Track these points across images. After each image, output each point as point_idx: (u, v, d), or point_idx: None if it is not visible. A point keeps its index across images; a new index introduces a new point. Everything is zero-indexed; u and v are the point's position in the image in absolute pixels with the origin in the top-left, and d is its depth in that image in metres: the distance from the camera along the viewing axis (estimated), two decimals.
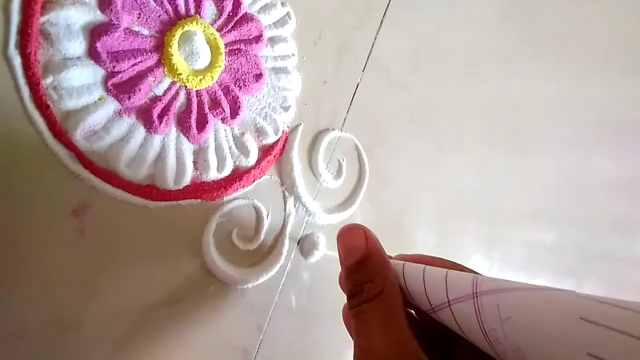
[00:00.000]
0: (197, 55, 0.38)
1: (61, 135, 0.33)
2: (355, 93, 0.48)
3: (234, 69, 0.40)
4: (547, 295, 0.20)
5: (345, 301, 0.29)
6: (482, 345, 0.22)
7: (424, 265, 0.26)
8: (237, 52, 0.41)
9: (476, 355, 0.24)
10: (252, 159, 0.41)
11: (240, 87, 0.41)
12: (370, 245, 0.27)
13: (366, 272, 0.26)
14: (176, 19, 0.38)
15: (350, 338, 0.27)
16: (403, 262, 0.27)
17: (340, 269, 0.31)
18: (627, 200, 0.73)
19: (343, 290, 0.31)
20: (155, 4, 0.37)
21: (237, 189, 0.41)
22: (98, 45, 0.34)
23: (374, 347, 0.23)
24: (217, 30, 0.39)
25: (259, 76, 0.41)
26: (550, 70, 0.63)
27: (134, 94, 0.36)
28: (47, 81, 0.33)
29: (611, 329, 0.17)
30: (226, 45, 0.40)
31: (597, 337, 0.18)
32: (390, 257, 0.29)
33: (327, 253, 0.45)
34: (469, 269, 0.27)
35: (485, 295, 0.22)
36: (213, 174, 0.40)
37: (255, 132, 0.42)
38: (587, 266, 0.71)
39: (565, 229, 0.67)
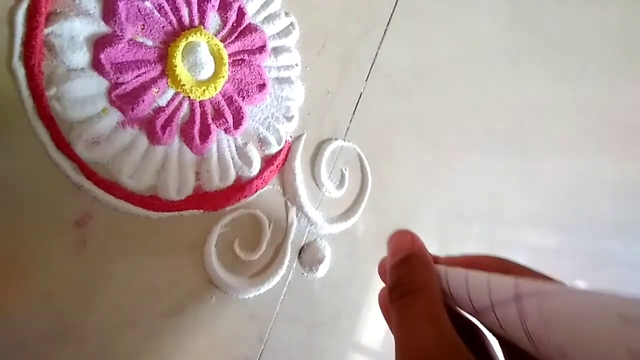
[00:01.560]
0: (200, 66, 0.38)
1: (64, 146, 0.33)
2: (358, 103, 0.48)
3: (237, 79, 0.40)
4: (587, 295, 0.21)
5: (382, 288, 0.32)
6: (525, 345, 0.23)
7: (466, 271, 0.27)
8: (240, 62, 0.41)
9: (512, 353, 0.26)
10: (254, 169, 0.41)
11: (244, 98, 0.41)
12: (416, 246, 0.29)
13: (409, 268, 0.28)
14: (180, 29, 0.38)
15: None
16: (446, 266, 0.28)
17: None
18: (630, 204, 0.72)
19: (383, 281, 0.32)
20: (159, 15, 0.37)
21: (239, 199, 0.41)
22: (102, 56, 0.34)
23: (418, 341, 0.24)
24: (221, 40, 0.40)
25: (262, 86, 0.41)
26: (552, 77, 0.63)
27: (138, 105, 0.36)
28: (51, 92, 0.33)
29: None
30: (230, 55, 0.40)
31: (637, 333, 0.18)
32: (436, 261, 0.30)
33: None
34: (516, 263, 0.27)
35: (527, 299, 0.22)
36: (215, 184, 0.40)
37: (258, 142, 0.42)
38: (590, 270, 0.70)
39: (568, 233, 0.67)
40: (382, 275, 0.32)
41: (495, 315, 0.24)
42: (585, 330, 0.20)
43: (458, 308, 0.28)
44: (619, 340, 0.19)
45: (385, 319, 0.32)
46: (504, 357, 0.27)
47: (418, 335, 0.24)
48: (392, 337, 0.26)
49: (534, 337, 0.22)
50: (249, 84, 0.41)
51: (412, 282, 0.27)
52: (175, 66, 0.37)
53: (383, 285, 0.33)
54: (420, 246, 0.29)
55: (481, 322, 0.26)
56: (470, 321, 0.29)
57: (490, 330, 0.28)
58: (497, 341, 0.29)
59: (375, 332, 0.49)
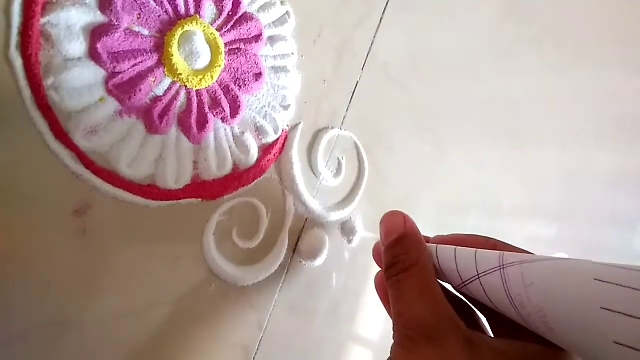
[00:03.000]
0: (197, 55, 0.38)
1: (62, 136, 0.34)
2: (354, 92, 0.48)
3: (233, 68, 0.41)
4: (565, 262, 0.23)
5: (377, 272, 0.33)
6: (508, 311, 0.24)
7: (455, 247, 0.28)
8: (236, 51, 0.41)
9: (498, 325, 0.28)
10: (252, 158, 0.42)
11: (240, 87, 0.41)
12: (408, 226, 0.31)
13: (403, 246, 0.29)
14: (176, 19, 0.38)
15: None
16: (436, 244, 0.30)
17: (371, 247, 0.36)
18: (627, 195, 0.73)
19: (377, 264, 0.34)
20: (155, 4, 0.37)
21: (237, 188, 0.41)
22: (99, 46, 0.34)
23: (414, 311, 0.26)
24: (217, 29, 0.40)
25: (258, 75, 0.42)
26: (549, 67, 0.63)
27: (135, 95, 0.36)
28: (49, 82, 0.33)
29: (621, 286, 0.20)
30: (226, 44, 0.40)
31: (609, 293, 0.20)
32: (427, 241, 0.31)
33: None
34: (503, 242, 0.29)
35: (510, 267, 0.24)
36: (213, 173, 0.40)
37: (255, 131, 0.42)
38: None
39: (564, 224, 0.68)
40: (377, 257, 0.34)
41: (481, 284, 0.26)
42: (562, 291, 0.22)
43: (445, 284, 0.29)
44: (593, 299, 0.20)
45: (382, 301, 0.33)
46: (492, 332, 0.29)
47: (414, 307, 0.26)
48: (390, 330, 0.27)
49: (517, 302, 0.23)
50: (245, 73, 0.41)
51: (406, 259, 0.28)
52: (172, 55, 0.37)
53: (380, 270, 0.33)
54: (412, 226, 0.31)
55: (468, 294, 0.28)
56: (462, 300, 0.30)
57: (476, 304, 0.30)
58: (485, 318, 0.30)
59: (374, 320, 0.50)
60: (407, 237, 0.30)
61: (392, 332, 0.27)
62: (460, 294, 0.30)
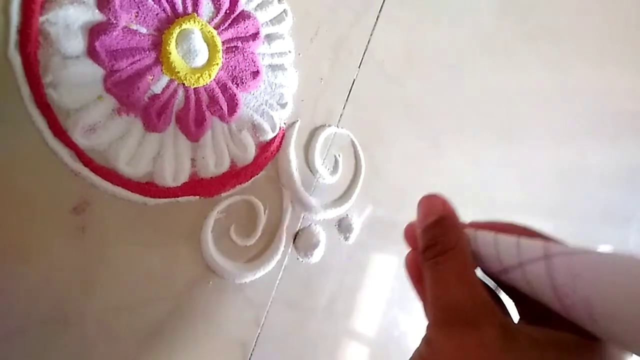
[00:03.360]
0: (194, 53, 0.38)
1: (61, 133, 0.34)
2: (351, 89, 0.48)
3: (231, 66, 0.41)
4: (612, 255, 0.23)
5: (408, 252, 0.33)
6: (548, 300, 0.24)
7: (494, 233, 0.29)
8: (234, 49, 0.41)
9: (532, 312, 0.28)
10: (249, 156, 0.42)
11: (238, 85, 0.41)
12: (447, 209, 0.31)
13: (442, 229, 0.29)
14: (174, 17, 0.38)
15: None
16: (475, 230, 0.30)
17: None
18: (621, 192, 0.73)
19: (409, 244, 0.34)
20: (153, 3, 0.37)
21: (234, 185, 0.42)
22: (97, 44, 0.34)
23: (451, 295, 0.26)
24: (215, 28, 0.40)
25: (256, 73, 0.42)
26: (543, 63, 0.63)
27: (133, 93, 0.36)
28: (47, 80, 0.33)
29: None
30: (223, 43, 0.40)
31: None
32: (464, 225, 0.32)
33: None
34: (541, 234, 0.29)
35: (556, 257, 0.24)
36: (211, 171, 0.40)
37: (253, 129, 0.42)
38: None
39: (559, 220, 0.68)
40: (410, 239, 0.34)
41: (523, 272, 0.26)
42: (611, 282, 0.22)
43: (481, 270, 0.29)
44: None
45: (412, 281, 0.33)
46: (520, 318, 0.29)
47: (452, 291, 0.26)
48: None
49: (561, 292, 0.24)
50: (242, 71, 0.41)
51: (445, 242, 0.28)
52: (170, 53, 0.37)
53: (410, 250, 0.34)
54: (451, 209, 0.31)
55: (506, 281, 0.28)
56: (489, 285, 0.30)
57: (506, 290, 0.30)
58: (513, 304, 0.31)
59: (370, 316, 0.50)
60: (446, 220, 0.30)
61: (425, 313, 0.28)
62: (493, 279, 0.30)
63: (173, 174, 0.39)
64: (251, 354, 0.43)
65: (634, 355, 0.24)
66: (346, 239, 0.48)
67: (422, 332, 0.27)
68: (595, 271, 0.23)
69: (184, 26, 0.38)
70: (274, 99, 0.43)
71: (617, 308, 0.22)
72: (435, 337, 0.26)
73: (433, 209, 0.31)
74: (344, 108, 0.48)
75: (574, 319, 0.24)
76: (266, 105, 0.43)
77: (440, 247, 0.28)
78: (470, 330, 0.25)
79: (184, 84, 0.38)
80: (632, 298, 0.21)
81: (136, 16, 0.36)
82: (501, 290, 0.31)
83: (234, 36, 0.41)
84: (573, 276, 0.23)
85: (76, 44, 0.34)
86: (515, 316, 0.30)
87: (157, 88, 0.38)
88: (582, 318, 0.23)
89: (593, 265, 0.23)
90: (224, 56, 0.40)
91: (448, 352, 0.25)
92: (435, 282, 0.28)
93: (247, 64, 0.41)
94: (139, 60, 0.36)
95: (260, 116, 0.42)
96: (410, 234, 0.33)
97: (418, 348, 0.27)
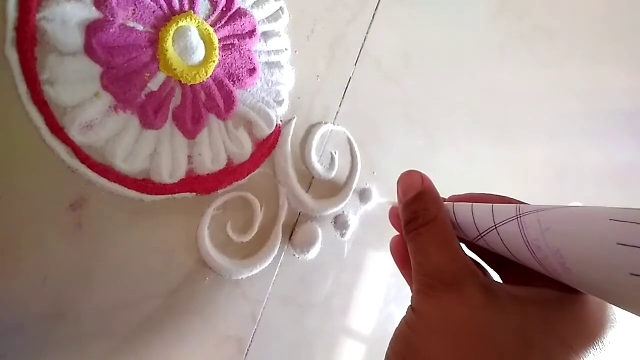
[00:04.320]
0: (191, 50, 0.38)
1: (58, 130, 0.34)
2: (347, 87, 0.48)
3: (228, 63, 0.41)
4: (581, 208, 0.24)
5: (393, 237, 0.34)
6: (524, 256, 0.25)
7: (471, 203, 0.30)
8: (231, 47, 0.41)
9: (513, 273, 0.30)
10: (246, 153, 0.42)
11: (235, 82, 0.41)
12: (426, 184, 0.32)
13: (422, 203, 0.30)
14: (170, 14, 0.38)
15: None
16: (453, 202, 0.31)
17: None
18: (615, 191, 0.74)
19: (393, 226, 0.35)
20: (150, 0, 0.37)
21: (231, 182, 0.42)
22: (94, 41, 0.34)
23: (434, 261, 0.27)
24: (211, 25, 0.40)
25: (252, 71, 0.42)
26: (540, 63, 0.63)
27: (130, 90, 0.36)
28: (44, 78, 0.33)
29: (635, 223, 0.21)
30: (220, 40, 0.40)
31: (625, 230, 0.21)
32: (444, 200, 0.33)
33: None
34: (517, 200, 0.30)
35: (527, 215, 0.25)
36: (208, 168, 0.40)
37: (249, 126, 0.42)
38: None
39: None
40: (394, 219, 0.35)
41: (498, 233, 0.27)
42: (579, 231, 0.23)
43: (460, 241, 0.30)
44: (609, 236, 0.22)
45: (398, 265, 0.34)
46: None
47: (434, 258, 0.27)
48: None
49: (534, 246, 0.24)
50: (239, 69, 0.41)
51: (426, 215, 0.29)
52: (167, 51, 0.37)
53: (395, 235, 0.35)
54: (429, 183, 0.32)
55: (485, 245, 0.29)
56: (473, 259, 0.31)
57: (487, 259, 0.32)
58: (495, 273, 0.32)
59: (366, 313, 0.50)
60: (426, 194, 0.31)
61: (412, 289, 0.29)
62: (475, 248, 0.31)
63: (170, 171, 0.39)
64: (248, 350, 0.43)
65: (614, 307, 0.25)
66: (342, 235, 0.48)
67: None
68: (564, 222, 0.24)
69: (180, 24, 0.38)
70: (270, 96, 0.44)
71: (587, 255, 0.22)
72: (420, 302, 0.27)
73: (412, 185, 0.32)
74: (340, 105, 0.48)
75: (550, 273, 0.24)
76: (263, 102, 0.43)
77: (421, 220, 0.29)
78: (452, 290, 0.25)
79: (180, 82, 0.39)
80: (600, 243, 0.22)
81: (133, 13, 0.36)
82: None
83: (231, 34, 0.41)
84: (543, 230, 0.24)
85: (73, 41, 0.34)
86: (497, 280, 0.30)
87: (154, 85, 0.38)
88: (556, 270, 0.24)
89: (561, 217, 0.24)
90: (221, 54, 0.40)
91: (432, 314, 0.26)
92: (417, 252, 0.29)
93: (244, 61, 0.42)
94: (136, 57, 0.37)
95: (257, 113, 0.43)
96: (395, 215, 0.34)
97: (404, 317, 0.27)
